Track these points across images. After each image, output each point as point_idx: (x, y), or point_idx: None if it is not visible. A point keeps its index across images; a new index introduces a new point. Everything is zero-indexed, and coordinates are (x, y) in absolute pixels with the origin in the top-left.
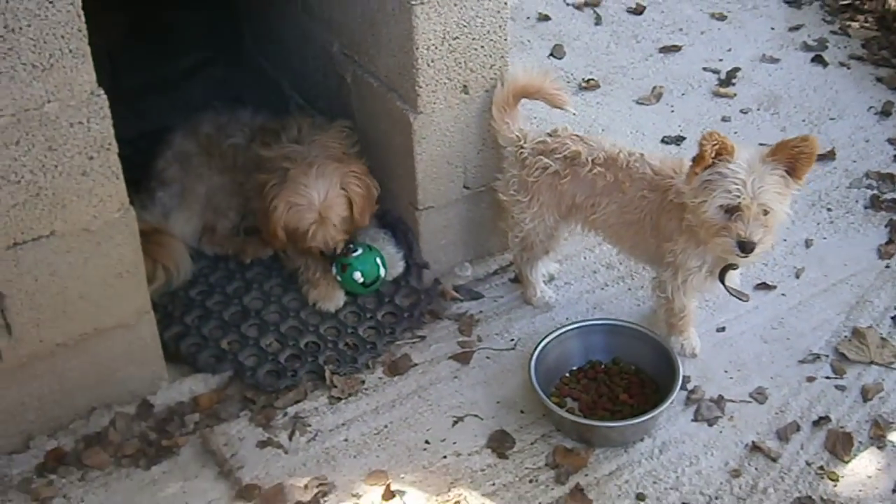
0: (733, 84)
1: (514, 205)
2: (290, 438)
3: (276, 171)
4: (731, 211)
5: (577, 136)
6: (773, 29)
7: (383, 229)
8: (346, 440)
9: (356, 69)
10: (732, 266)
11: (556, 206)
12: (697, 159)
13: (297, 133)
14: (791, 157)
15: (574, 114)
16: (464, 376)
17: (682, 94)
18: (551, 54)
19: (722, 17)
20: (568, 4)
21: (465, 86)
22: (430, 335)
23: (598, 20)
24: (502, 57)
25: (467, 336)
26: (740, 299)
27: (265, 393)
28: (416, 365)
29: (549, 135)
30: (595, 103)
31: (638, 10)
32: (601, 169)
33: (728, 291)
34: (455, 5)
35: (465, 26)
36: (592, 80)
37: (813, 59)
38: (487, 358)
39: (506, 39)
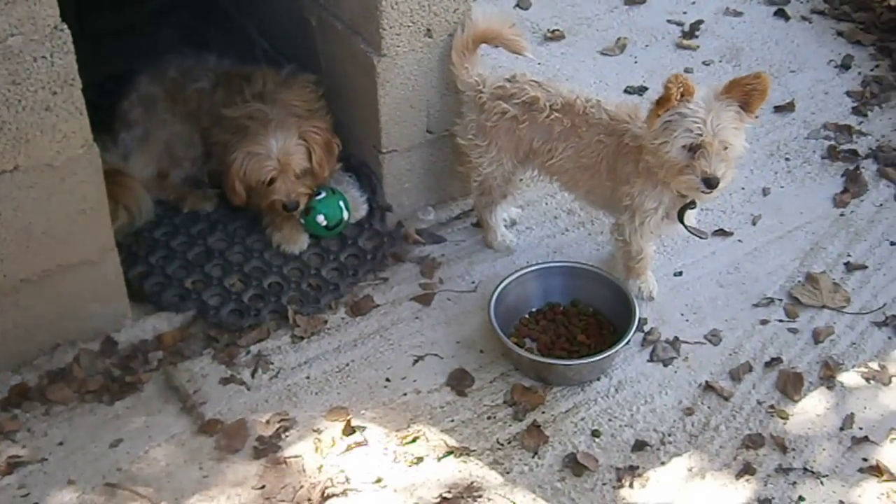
0: (696, 36)
1: (472, 149)
2: (253, 376)
3: (239, 131)
4: (694, 149)
5: (536, 81)
6: None
7: (347, 173)
8: (307, 378)
9: (321, 12)
10: (690, 205)
11: (514, 150)
12: (662, 101)
13: (261, 87)
14: (744, 94)
15: (537, 62)
16: (425, 317)
17: (646, 46)
18: (517, 5)
19: None
20: None
21: (428, 29)
22: (393, 277)
23: None
24: (465, 1)
25: (429, 278)
26: (699, 237)
27: (228, 331)
28: (378, 306)
29: (508, 80)
30: (559, 53)
31: None
32: (558, 114)
33: (687, 230)
34: None
35: None
36: (557, 30)
37: (775, 13)
38: (448, 300)
39: None
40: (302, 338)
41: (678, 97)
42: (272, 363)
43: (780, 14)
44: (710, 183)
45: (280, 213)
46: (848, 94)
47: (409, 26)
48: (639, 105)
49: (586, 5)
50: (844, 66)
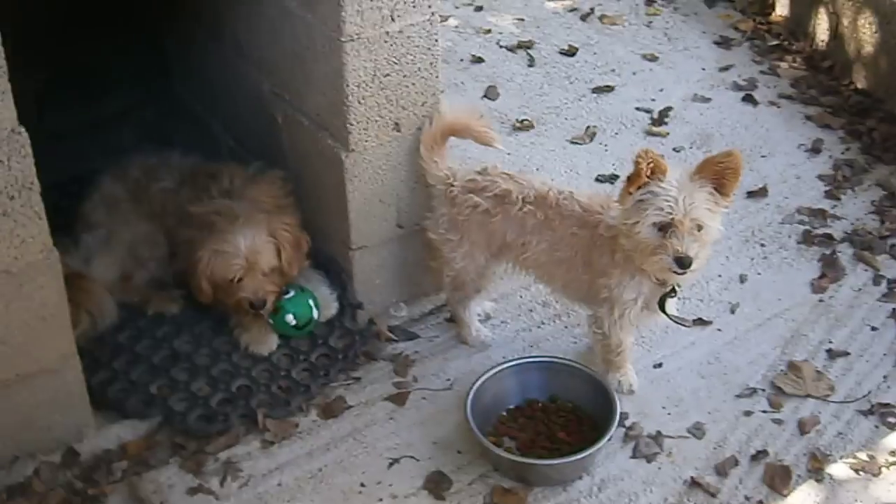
0: (666, 123)
1: (444, 244)
2: (222, 484)
3: (205, 227)
4: (665, 228)
5: (507, 174)
6: (703, 69)
7: (316, 270)
8: (279, 484)
9: (287, 108)
10: (671, 293)
11: (487, 244)
12: (633, 177)
13: (228, 183)
14: (717, 174)
15: (507, 152)
16: (400, 417)
17: (616, 134)
18: (485, 96)
19: (653, 58)
20: (501, 47)
21: (396, 123)
22: (366, 377)
23: (531, 62)
24: (434, 94)
25: (403, 377)
26: (682, 325)
27: (196, 438)
28: (350, 407)
29: (479, 173)
30: (529, 143)
31: (570, 52)
32: (531, 207)
33: (669, 318)
34: (385, 42)
35: (395, 63)
36: (526, 120)
37: (743, 99)
38: (423, 398)
39: (437, 77)
40: (272, 443)
41: (648, 172)
42: (241, 470)
43: (749, 100)
44: (683, 263)
45: (248, 313)
46: (820, 177)
47: (376, 121)
48: (611, 195)
49: (554, 94)
50: (815, 149)
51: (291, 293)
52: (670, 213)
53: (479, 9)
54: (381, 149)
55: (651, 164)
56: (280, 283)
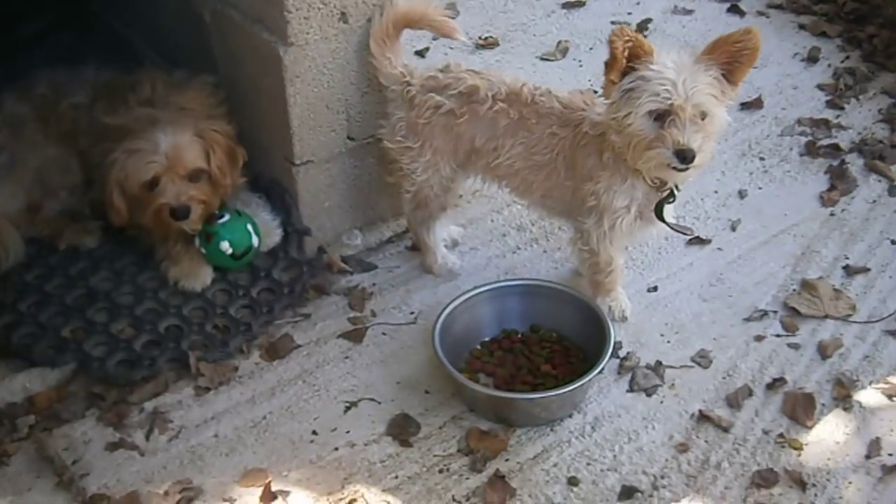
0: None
1: (402, 153)
2: (148, 438)
3: (122, 139)
4: (663, 117)
5: (474, 70)
6: None
7: (256, 193)
8: (215, 436)
9: (215, 4)
10: (668, 198)
11: (452, 151)
12: (610, 63)
13: (149, 92)
14: (730, 56)
15: (467, 42)
16: (356, 356)
17: (590, 49)
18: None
19: None
20: None
21: (342, 13)
22: (316, 313)
23: None
24: None
25: (359, 311)
26: (684, 234)
27: (116, 386)
28: (299, 346)
29: (441, 70)
30: (494, 61)
31: None
32: (503, 105)
33: (669, 227)
34: None
35: None
36: (490, 37)
37: (729, 10)
38: (384, 334)
39: None
40: (207, 389)
41: (625, 54)
42: (171, 421)
43: (734, 10)
44: (685, 156)
45: (175, 240)
46: (819, 87)
47: (319, 8)
48: (595, 93)
49: (520, 11)
50: (811, 58)
51: (226, 217)
52: (668, 99)
53: None
54: (326, 44)
55: (629, 44)
56: (210, 194)
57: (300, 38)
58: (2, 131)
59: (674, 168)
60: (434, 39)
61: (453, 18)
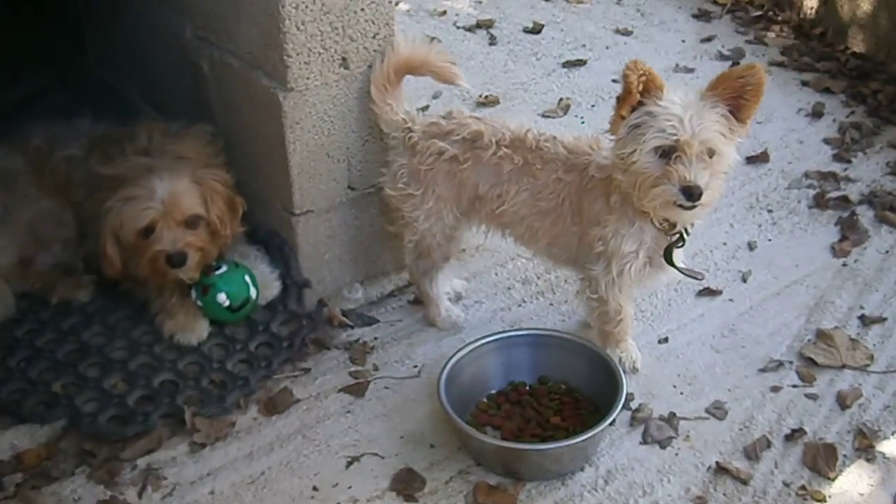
0: None
1: (404, 201)
2: (140, 496)
3: (119, 189)
4: (669, 153)
5: (476, 116)
6: (683, 41)
7: (254, 245)
8: (211, 493)
9: (213, 52)
10: (678, 243)
11: (456, 198)
12: (623, 97)
13: (146, 142)
14: (735, 92)
15: (469, 88)
16: (358, 410)
17: (592, 106)
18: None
19: (627, 33)
20: (458, 27)
21: (343, 58)
22: (316, 367)
23: (492, 40)
24: (387, 24)
25: (360, 365)
26: (695, 278)
27: (108, 443)
28: (298, 401)
29: (443, 117)
30: None
31: (535, 30)
32: (507, 151)
33: (680, 272)
34: None
35: None
36: (491, 95)
37: (731, 67)
38: (386, 388)
39: (390, 2)
40: (203, 445)
41: (640, 88)
42: (165, 478)
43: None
44: (691, 193)
45: (171, 293)
46: (825, 141)
47: (319, 53)
48: (599, 137)
49: (520, 70)
50: (816, 114)
51: (223, 268)
52: (674, 134)
53: None
54: (327, 90)
55: (643, 78)
56: (207, 242)
57: (300, 84)
58: None
59: (680, 206)
60: (434, 98)
61: None
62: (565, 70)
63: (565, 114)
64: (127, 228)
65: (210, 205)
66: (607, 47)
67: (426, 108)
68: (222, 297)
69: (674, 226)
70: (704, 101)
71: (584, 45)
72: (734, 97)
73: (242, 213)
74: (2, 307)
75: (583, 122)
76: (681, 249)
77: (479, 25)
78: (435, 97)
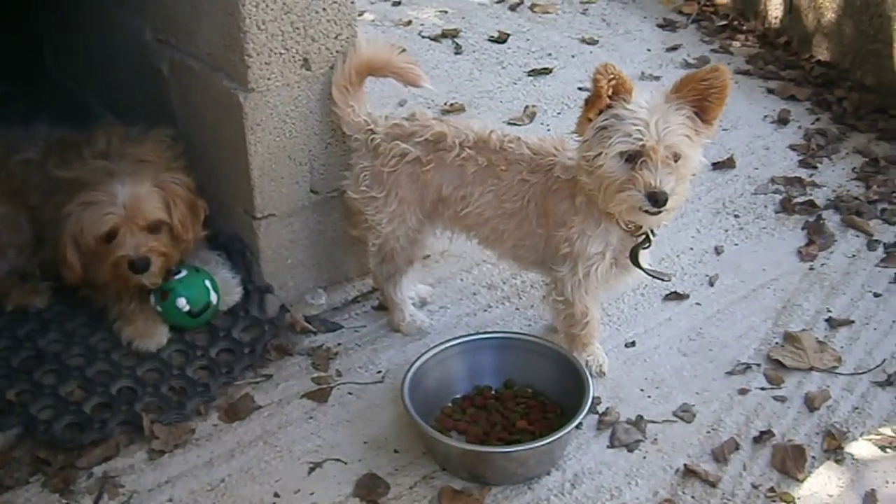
0: None
1: (367, 203)
2: (97, 503)
3: (78, 194)
4: (634, 158)
5: (439, 118)
6: (649, 50)
7: (215, 251)
8: (170, 500)
9: (173, 54)
10: (644, 244)
11: (419, 201)
12: (592, 99)
13: (105, 146)
14: (699, 94)
15: (432, 90)
16: (321, 416)
17: (558, 114)
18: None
19: (593, 42)
20: (424, 37)
21: (305, 59)
22: (278, 373)
23: (457, 49)
24: (350, 24)
25: (323, 371)
26: (661, 279)
27: (64, 451)
28: (260, 407)
29: (406, 119)
30: None
31: (501, 39)
32: (471, 152)
33: (646, 273)
34: None
35: None
36: (456, 103)
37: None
38: (350, 394)
39: (353, 2)
40: (162, 452)
41: (610, 92)
42: (122, 486)
43: None
44: (657, 199)
45: (130, 298)
46: (791, 147)
47: (280, 53)
48: (564, 138)
49: (486, 79)
50: (782, 120)
51: (183, 273)
52: (640, 139)
53: (398, 3)
54: (288, 91)
55: (613, 82)
56: (170, 247)
57: (261, 84)
58: None
59: (646, 211)
60: (399, 105)
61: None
62: (531, 78)
63: (531, 121)
64: (87, 234)
65: (172, 209)
66: (573, 56)
67: (389, 115)
68: (182, 302)
69: (640, 227)
70: (670, 104)
71: (549, 54)
72: (699, 99)
73: (204, 217)
74: None
75: (549, 130)
76: (647, 251)
77: (444, 35)
78: (400, 104)
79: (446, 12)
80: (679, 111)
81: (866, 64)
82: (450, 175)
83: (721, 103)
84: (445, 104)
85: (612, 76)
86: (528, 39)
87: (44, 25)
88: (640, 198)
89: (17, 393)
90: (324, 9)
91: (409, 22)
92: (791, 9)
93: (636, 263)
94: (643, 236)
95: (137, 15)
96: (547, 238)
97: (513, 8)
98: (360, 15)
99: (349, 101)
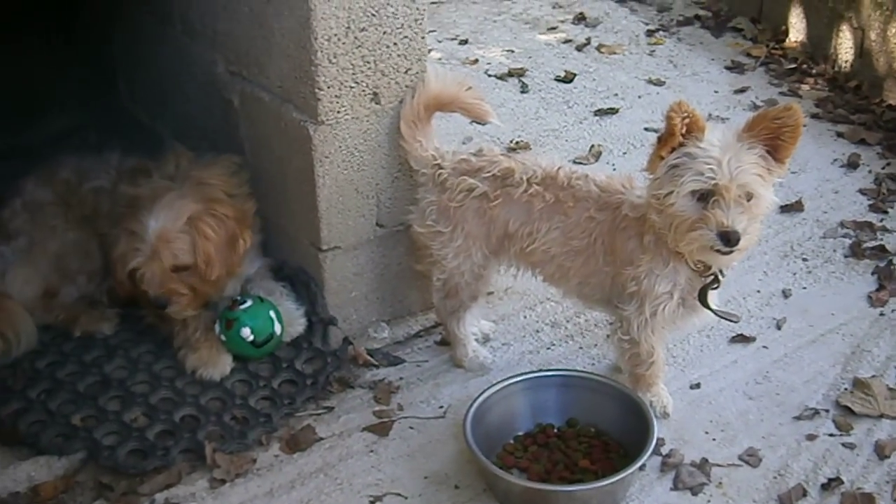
0: None
1: (433, 238)
2: None
3: (137, 209)
4: (706, 197)
5: (508, 154)
6: (716, 92)
7: (280, 282)
8: None
9: (244, 86)
10: (713, 284)
11: (485, 236)
12: (665, 137)
13: (173, 169)
14: (772, 133)
15: (500, 126)
16: (382, 450)
17: (624, 153)
18: (473, 121)
19: (660, 83)
20: (490, 76)
21: (375, 93)
22: (339, 405)
23: (524, 88)
24: (419, 59)
25: (385, 405)
26: (730, 320)
27: (127, 476)
28: (321, 439)
29: (474, 154)
30: None
31: (567, 79)
32: (538, 188)
33: (714, 313)
34: None
35: (373, 15)
36: (522, 141)
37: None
38: (411, 428)
39: (423, 38)
40: (223, 481)
41: (684, 130)
42: None
43: None
44: (729, 238)
45: (195, 328)
46: (861, 192)
47: (351, 87)
48: (632, 175)
49: (552, 118)
50: (851, 164)
51: (248, 303)
52: (713, 179)
53: (465, 42)
54: (357, 124)
55: (687, 120)
56: (199, 287)
57: (331, 117)
58: (21, 216)
59: (717, 251)
60: (464, 143)
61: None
62: (597, 118)
63: (597, 160)
64: (120, 265)
65: (198, 249)
66: (640, 96)
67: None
68: (246, 332)
69: (709, 267)
70: (742, 143)
71: (616, 95)
72: (772, 138)
73: (245, 248)
74: (24, 339)
75: (614, 169)
76: (715, 291)
77: (510, 74)
78: (465, 142)
79: (513, 51)
80: (751, 150)
81: None
82: (517, 211)
83: (794, 142)
84: (511, 142)
85: (685, 114)
86: (594, 79)
87: (118, 57)
88: (711, 237)
89: (81, 418)
90: (395, 43)
91: (476, 61)
92: (862, 52)
93: (704, 304)
94: (712, 276)
95: (210, 48)
96: (614, 276)
97: (580, 48)
98: (429, 52)
99: (417, 135)
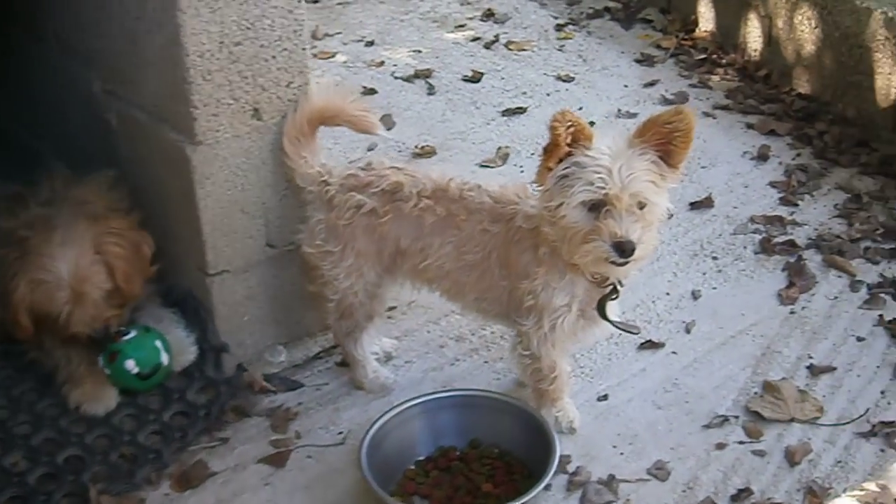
0: None
1: (323, 258)
2: None
3: (17, 246)
4: (598, 207)
5: (397, 166)
6: (626, 86)
7: (168, 308)
8: None
9: (120, 106)
10: (611, 295)
11: (377, 254)
12: (550, 148)
13: (49, 193)
14: (663, 137)
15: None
16: (278, 482)
17: (532, 154)
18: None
19: (569, 79)
20: (396, 78)
21: (255, 109)
22: (235, 436)
23: (430, 90)
24: (301, 72)
25: (282, 433)
26: (630, 332)
27: None
28: (214, 474)
29: (362, 168)
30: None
31: (475, 78)
32: (429, 202)
33: (614, 326)
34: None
35: (248, 28)
36: (427, 146)
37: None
38: (309, 457)
39: (304, 49)
40: None
41: (569, 140)
42: None
43: None
44: (623, 249)
45: (81, 343)
46: (771, 184)
47: (229, 104)
48: (527, 184)
49: (458, 120)
50: (762, 157)
51: (132, 333)
52: (603, 188)
53: (371, 44)
54: (238, 142)
55: (571, 129)
56: (121, 303)
57: (209, 137)
58: None
59: (612, 262)
60: (369, 150)
61: (388, 129)
62: (505, 118)
63: (504, 163)
64: (39, 312)
65: (116, 271)
66: (548, 94)
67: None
68: (131, 364)
69: (606, 278)
70: (633, 149)
71: (524, 93)
72: (663, 143)
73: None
74: None
75: (522, 171)
76: (615, 302)
77: (417, 75)
78: (370, 148)
79: (420, 52)
80: (643, 156)
81: (847, 96)
82: (407, 226)
83: (686, 147)
84: (417, 147)
85: (569, 123)
86: (502, 78)
87: None
88: (605, 248)
89: None
90: (273, 57)
91: (382, 63)
92: (770, 41)
93: (603, 316)
94: (610, 287)
95: (86, 66)
96: (510, 290)
97: (488, 46)
98: (331, 57)
99: (301, 151)
